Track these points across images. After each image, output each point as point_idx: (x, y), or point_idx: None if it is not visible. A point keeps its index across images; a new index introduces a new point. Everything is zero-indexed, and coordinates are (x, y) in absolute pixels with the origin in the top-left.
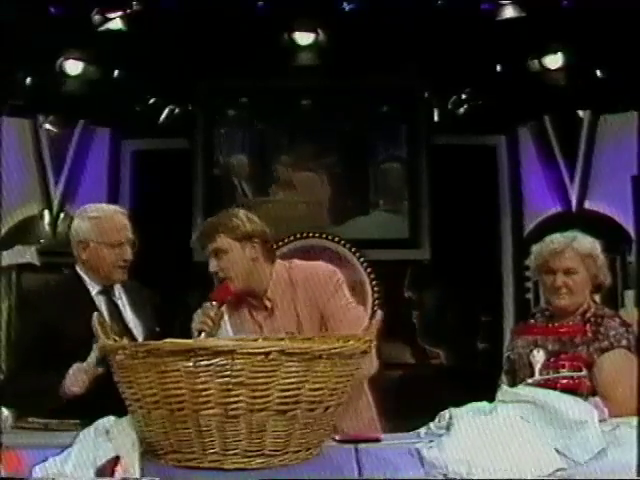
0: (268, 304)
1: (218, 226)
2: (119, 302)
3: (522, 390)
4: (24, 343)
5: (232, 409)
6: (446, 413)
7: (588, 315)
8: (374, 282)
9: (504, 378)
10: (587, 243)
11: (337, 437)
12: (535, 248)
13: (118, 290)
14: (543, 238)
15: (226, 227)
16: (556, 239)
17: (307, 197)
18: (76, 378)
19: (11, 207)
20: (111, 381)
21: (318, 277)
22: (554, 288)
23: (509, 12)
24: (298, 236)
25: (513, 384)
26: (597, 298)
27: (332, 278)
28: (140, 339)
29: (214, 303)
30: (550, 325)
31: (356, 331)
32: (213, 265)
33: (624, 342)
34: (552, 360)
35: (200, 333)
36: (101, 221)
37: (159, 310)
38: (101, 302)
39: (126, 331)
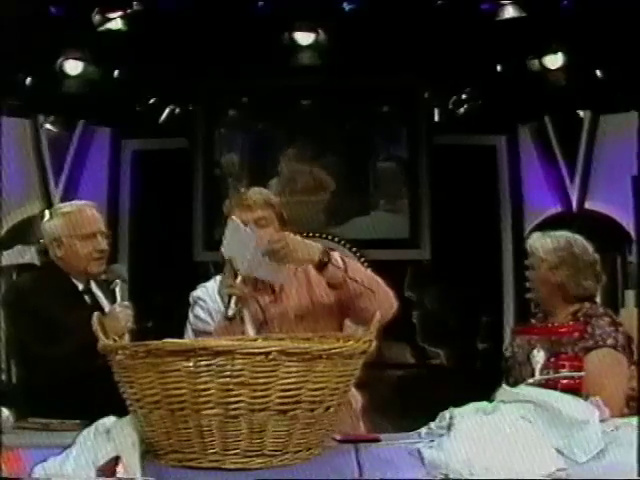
0: (277, 288)
1: (267, 199)
2: (117, 288)
3: (522, 390)
4: (22, 338)
5: (232, 409)
6: (446, 413)
7: (578, 314)
8: None
9: (505, 375)
10: (538, 242)
11: (337, 437)
12: None
13: (95, 288)
14: None
15: (273, 204)
16: (532, 235)
17: (307, 197)
18: (118, 323)
19: (11, 207)
20: (111, 381)
21: None
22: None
23: (509, 12)
24: None
25: (507, 383)
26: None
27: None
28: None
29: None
30: (550, 325)
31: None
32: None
33: (610, 341)
34: (552, 360)
35: (231, 297)
36: (71, 215)
37: (155, 309)
38: (87, 299)
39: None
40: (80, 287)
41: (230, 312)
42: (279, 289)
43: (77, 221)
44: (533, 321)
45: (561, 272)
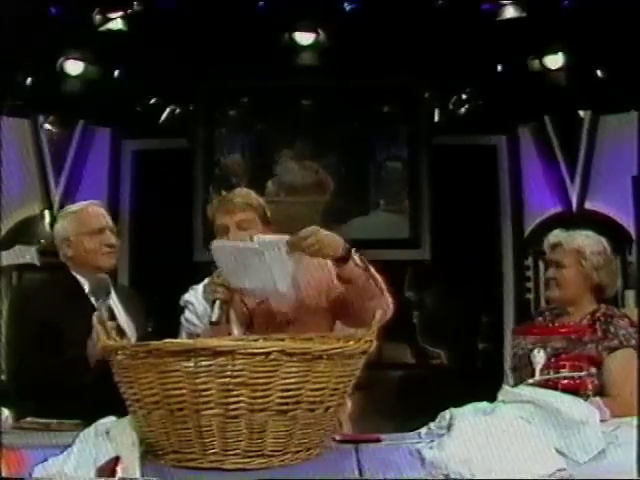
0: None
1: (249, 200)
2: (110, 302)
3: (523, 390)
4: (22, 342)
5: (232, 409)
6: (447, 413)
7: (597, 315)
8: None
9: (510, 375)
10: (582, 241)
11: (337, 437)
12: (544, 240)
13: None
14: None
15: (254, 204)
16: (555, 233)
17: (307, 197)
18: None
19: (11, 207)
20: (111, 381)
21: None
22: (546, 279)
23: (509, 12)
24: None
25: (521, 381)
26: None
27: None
28: (133, 339)
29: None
30: (551, 325)
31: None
32: (235, 235)
33: (633, 342)
34: (553, 360)
35: (215, 302)
36: (77, 214)
37: (155, 309)
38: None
39: (118, 329)
40: (87, 288)
41: (214, 317)
42: None
43: (83, 218)
44: (540, 319)
45: (603, 273)
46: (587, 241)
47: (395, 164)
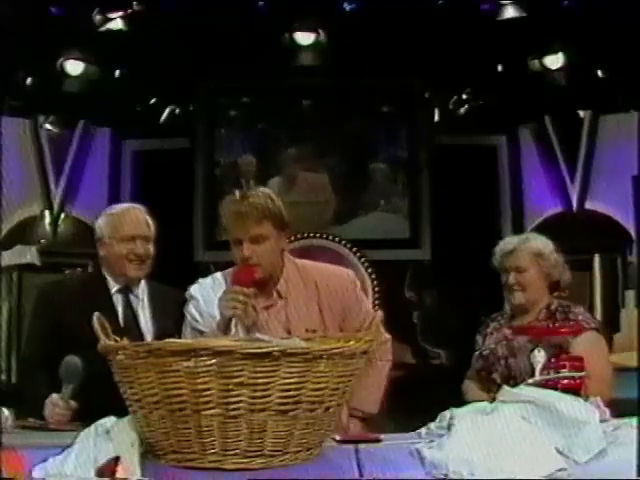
0: (275, 296)
1: (265, 211)
2: (139, 303)
3: (523, 390)
4: (38, 341)
5: (232, 409)
6: (447, 413)
7: (553, 307)
8: (374, 282)
9: (471, 382)
10: (537, 243)
11: (337, 437)
12: (495, 249)
13: (142, 291)
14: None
15: (271, 213)
16: (508, 240)
17: (307, 197)
18: (53, 410)
19: (11, 207)
20: (111, 381)
21: (340, 284)
22: (508, 286)
23: (509, 12)
24: (298, 236)
25: (488, 383)
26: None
27: (352, 284)
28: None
29: (239, 288)
30: (551, 325)
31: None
32: (249, 250)
33: (593, 324)
34: (553, 360)
35: (231, 318)
36: (115, 217)
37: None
38: (118, 300)
39: (137, 332)
40: (114, 289)
41: (230, 334)
42: (277, 297)
43: (118, 223)
44: (495, 324)
45: (560, 269)
46: (541, 242)
47: (395, 164)
